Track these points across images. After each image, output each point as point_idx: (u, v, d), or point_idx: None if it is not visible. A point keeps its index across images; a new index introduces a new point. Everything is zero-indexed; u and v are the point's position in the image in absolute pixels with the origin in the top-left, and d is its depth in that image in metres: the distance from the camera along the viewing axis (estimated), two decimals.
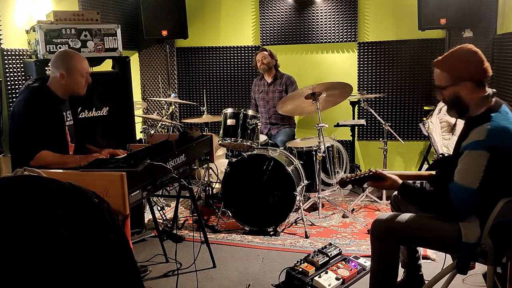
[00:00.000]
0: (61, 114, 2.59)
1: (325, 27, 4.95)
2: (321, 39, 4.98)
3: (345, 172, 4.15)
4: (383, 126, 3.96)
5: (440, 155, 2.21)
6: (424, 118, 4.20)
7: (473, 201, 1.90)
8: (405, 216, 2.16)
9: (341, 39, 4.94)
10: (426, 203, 2.08)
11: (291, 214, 3.54)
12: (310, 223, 3.71)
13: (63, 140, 2.59)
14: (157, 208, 3.87)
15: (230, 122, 3.62)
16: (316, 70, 5.07)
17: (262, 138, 4.06)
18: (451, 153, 2.22)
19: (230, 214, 3.63)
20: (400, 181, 2.13)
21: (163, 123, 4.59)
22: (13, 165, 2.49)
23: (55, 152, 2.44)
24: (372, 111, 4.17)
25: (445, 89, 2.03)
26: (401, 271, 2.51)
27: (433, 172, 2.26)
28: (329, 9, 4.91)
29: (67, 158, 2.49)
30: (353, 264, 2.78)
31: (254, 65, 4.63)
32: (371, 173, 2.19)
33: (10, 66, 3.19)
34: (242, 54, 5.26)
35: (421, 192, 2.15)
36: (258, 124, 3.62)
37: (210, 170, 4.16)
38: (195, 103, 5.42)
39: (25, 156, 2.35)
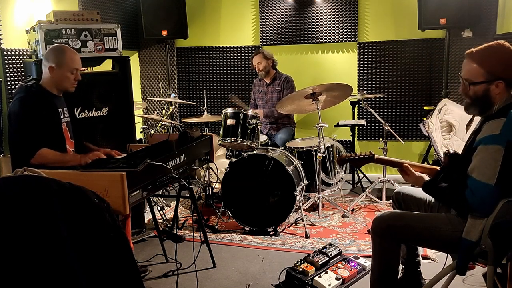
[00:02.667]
0: (56, 110, 2.60)
1: (325, 27, 4.95)
2: (321, 39, 4.98)
3: (345, 172, 4.15)
4: (383, 126, 3.96)
5: (447, 151, 2.18)
6: (424, 118, 4.20)
7: (492, 197, 1.85)
8: (405, 215, 2.16)
9: (341, 39, 4.94)
10: (446, 200, 2.06)
11: (291, 214, 3.53)
12: (310, 223, 3.71)
13: (61, 136, 2.61)
14: (157, 208, 3.88)
15: (230, 122, 3.62)
16: (316, 70, 5.07)
17: (262, 138, 4.06)
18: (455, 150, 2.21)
19: (230, 214, 3.63)
20: (426, 179, 2.14)
21: (163, 123, 4.59)
22: (14, 165, 2.49)
23: (54, 148, 2.46)
24: (372, 111, 4.17)
25: (476, 85, 1.95)
26: (400, 269, 2.52)
27: (437, 168, 2.26)
28: (329, 9, 4.91)
29: (67, 156, 2.51)
30: (353, 264, 2.78)
31: (253, 68, 4.63)
32: (372, 155, 2.18)
33: (10, 66, 3.19)
34: (242, 54, 5.26)
35: (440, 191, 2.07)
36: (258, 124, 3.62)
37: (210, 170, 4.16)
38: (195, 103, 5.42)
39: (25, 155, 2.37)
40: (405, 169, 2.21)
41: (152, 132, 4.29)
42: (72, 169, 2.08)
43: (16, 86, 3.20)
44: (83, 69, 3.38)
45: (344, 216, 3.83)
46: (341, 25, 4.91)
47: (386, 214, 2.22)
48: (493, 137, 1.86)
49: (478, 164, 1.89)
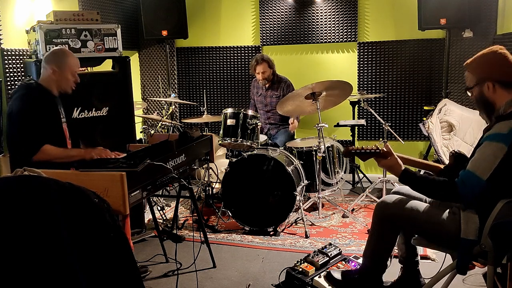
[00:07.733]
0: (57, 108, 2.64)
1: (325, 27, 4.95)
2: (321, 39, 4.98)
3: (345, 172, 4.15)
4: (383, 126, 3.96)
5: (453, 151, 2.19)
6: (424, 118, 4.20)
7: (479, 191, 1.87)
8: (411, 204, 2.17)
9: (341, 39, 4.94)
10: (431, 188, 2.02)
11: (291, 214, 3.53)
12: (310, 223, 3.71)
13: (62, 134, 2.63)
14: (157, 208, 3.87)
15: (230, 122, 3.62)
16: (316, 70, 5.07)
17: (262, 138, 4.06)
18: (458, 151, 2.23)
19: (230, 214, 3.63)
20: (403, 167, 2.12)
21: (163, 123, 4.59)
22: (13, 165, 2.49)
23: (56, 146, 2.46)
24: (372, 111, 4.17)
25: (471, 89, 2.07)
26: (398, 268, 2.54)
27: (441, 166, 2.27)
28: (329, 9, 4.91)
29: (72, 151, 2.52)
30: (353, 264, 2.78)
31: (251, 73, 4.54)
32: (378, 150, 2.17)
33: (10, 66, 3.19)
34: (242, 54, 5.26)
35: (426, 178, 2.05)
36: (258, 124, 3.62)
37: (210, 170, 4.16)
38: (195, 103, 5.42)
39: (27, 152, 2.36)
40: (386, 152, 2.15)
41: (152, 132, 4.28)
42: (72, 168, 2.08)
43: (15, 86, 3.21)
44: (83, 69, 3.38)
45: (344, 216, 3.83)
46: (341, 25, 4.91)
47: (391, 200, 2.24)
48: (500, 135, 1.89)
49: (477, 157, 1.93)
